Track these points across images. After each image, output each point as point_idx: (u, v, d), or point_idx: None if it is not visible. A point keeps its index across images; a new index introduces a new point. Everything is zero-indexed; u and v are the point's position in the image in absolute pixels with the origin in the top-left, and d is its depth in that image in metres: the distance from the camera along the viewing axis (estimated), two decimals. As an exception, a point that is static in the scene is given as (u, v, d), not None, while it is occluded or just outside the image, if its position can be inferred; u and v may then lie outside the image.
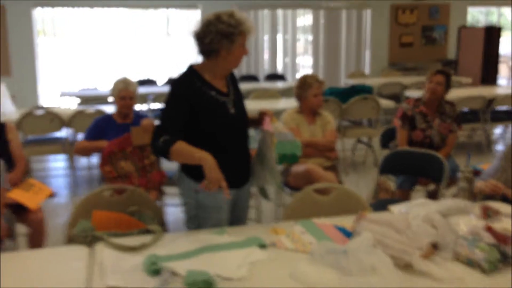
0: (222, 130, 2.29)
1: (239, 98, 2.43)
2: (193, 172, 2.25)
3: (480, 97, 6.38)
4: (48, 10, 8.75)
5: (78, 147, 3.73)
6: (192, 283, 1.69)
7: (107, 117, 3.80)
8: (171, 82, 2.34)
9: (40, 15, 8.77)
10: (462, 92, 6.61)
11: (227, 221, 2.36)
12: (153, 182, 3.42)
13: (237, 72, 2.36)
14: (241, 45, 2.26)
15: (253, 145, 2.53)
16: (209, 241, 2.06)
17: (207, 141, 2.25)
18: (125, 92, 3.66)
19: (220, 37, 2.19)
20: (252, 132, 2.46)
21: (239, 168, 2.41)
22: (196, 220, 2.32)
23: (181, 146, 2.14)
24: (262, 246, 2.03)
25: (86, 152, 3.78)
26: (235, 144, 2.37)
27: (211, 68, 2.30)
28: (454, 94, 4.70)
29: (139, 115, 3.79)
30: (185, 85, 2.26)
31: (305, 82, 3.79)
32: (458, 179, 2.45)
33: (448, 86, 3.99)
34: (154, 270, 1.78)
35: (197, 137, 2.24)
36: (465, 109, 6.60)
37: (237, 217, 2.47)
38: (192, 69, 2.32)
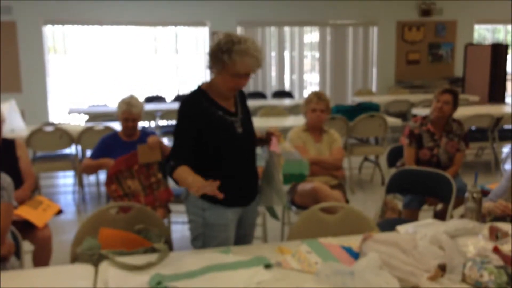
0: (229, 149, 2.31)
1: (247, 116, 2.45)
2: None
3: (488, 115, 6.35)
4: (58, 27, 8.87)
5: (83, 165, 3.73)
6: None
7: (113, 135, 3.80)
8: (180, 101, 2.36)
9: (51, 32, 8.88)
10: (469, 110, 6.59)
11: (233, 239, 2.36)
12: (160, 200, 3.43)
13: (245, 89, 2.37)
14: (233, 72, 2.22)
15: (260, 163, 2.54)
16: (214, 260, 2.05)
17: (214, 159, 2.29)
18: (128, 115, 3.65)
19: (217, 54, 2.22)
20: (259, 150, 2.47)
21: (246, 187, 2.42)
22: (202, 238, 2.33)
23: (180, 171, 2.20)
24: (268, 266, 2.02)
25: (92, 171, 3.79)
26: (242, 162, 2.38)
27: (217, 87, 2.32)
28: (461, 112, 4.69)
29: (146, 133, 3.80)
30: (193, 105, 2.29)
31: (307, 98, 3.83)
32: (466, 198, 2.42)
33: (455, 105, 3.98)
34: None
35: (204, 155, 2.27)
36: (473, 128, 6.57)
37: (243, 235, 2.47)
38: (200, 89, 2.35)
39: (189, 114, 2.28)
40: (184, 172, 2.19)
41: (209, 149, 2.28)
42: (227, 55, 2.19)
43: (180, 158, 2.23)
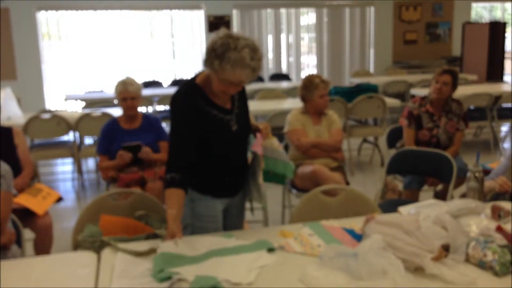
0: (222, 147, 2.26)
1: (243, 111, 2.35)
2: (189, 180, 2.20)
3: (486, 94, 6.34)
4: (52, 13, 8.76)
5: (100, 169, 3.69)
6: None
7: (112, 123, 3.74)
8: (173, 96, 2.21)
9: (45, 18, 8.78)
10: (468, 90, 6.57)
11: (221, 229, 2.33)
12: (160, 175, 3.45)
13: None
14: (222, 78, 2.06)
15: (249, 153, 2.49)
16: (217, 244, 2.05)
17: (206, 155, 2.23)
18: (125, 93, 3.61)
19: (210, 55, 2.06)
20: (251, 138, 2.40)
21: (234, 179, 2.37)
22: (191, 228, 2.28)
23: (169, 194, 2.09)
24: (271, 249, 2.01)
25: (110, 172, 3.62)
26: (234, 158, 2.33)
27: (211, 84, 2.17)
28: (460, 91, 4.67)
29: (149, 119, 3.75)
30: (187, 105, 2.16)
31: (311, 83, 3.76)
32: (467, 178, 2.42)
33: (454, 85, 3.95)
34: (162, 278, 1.76)
35: (197, 149, 2.20)
36: (471, 107, 6.56)
37: (230, 225, 2.43)
38: (194, 85, 2.20)
39: (183, 115, 2.15)
40: (170, 197, 2.08)
41: (202, 146, 2.21)
42: (218, 61, 2.01)
43: (177, 167, 2.12)
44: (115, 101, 6.21)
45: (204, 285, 1.68)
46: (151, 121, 3.74)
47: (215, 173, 2.27)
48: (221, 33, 2.06)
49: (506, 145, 7.00)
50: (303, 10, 9.98)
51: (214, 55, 2.02)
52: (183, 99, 2.17)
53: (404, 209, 2.33)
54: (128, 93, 3.60)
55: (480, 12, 12.20)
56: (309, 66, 10.45)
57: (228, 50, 2.00)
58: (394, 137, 4.29)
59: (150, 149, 3.52)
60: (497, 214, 2.16)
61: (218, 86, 2.12)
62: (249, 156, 2.37)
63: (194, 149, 2.18)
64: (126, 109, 3.65)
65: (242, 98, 2.35)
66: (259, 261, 1.90)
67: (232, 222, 2.45)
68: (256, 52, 2.05)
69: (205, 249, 1.99)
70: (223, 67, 2.02)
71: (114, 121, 3.75)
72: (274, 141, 2.41)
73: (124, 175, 3.47)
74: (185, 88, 2.21)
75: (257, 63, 2.06)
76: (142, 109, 6.98)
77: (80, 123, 5.24)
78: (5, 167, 2.24)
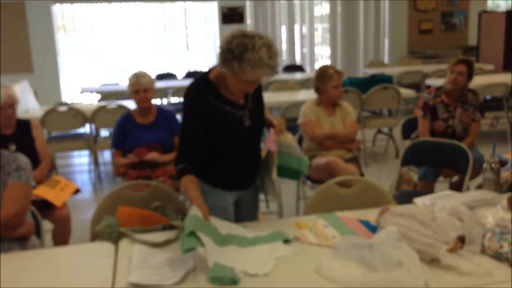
0: (235, 142, 2.25)
1: (257, 106, 2.32)
2: (200, 172, 2.24)
3: (503, 84, 6.25)
4: (67, 6, 8.83)
5: (116, 165, 3.68)
6: (216, 279, 1.69)
7: (126, 117, 3.72)
8: (186, 91, 2.22)
9: (60, 11, 8.85)
10: (484, 79, 6.49)
11: (233, 221, 2.31)
12: (170, 172, 3.46)
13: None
14: (242, 79, 2.05)
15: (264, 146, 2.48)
16: (236, 230, 2.07)
17: (219, 149, 2.24)
18: (137, 86, 3.59)
19: (227, 56, 2.03)
20: (265, 131, 2.40)
21: (246, 173, 2.37)
22: None
23: (184, 181, 2.14)
24: (287, 241, 2.03)
25: (121, 168, 3.64)
26: (247, 152, 2.33)
27: (226, 81, 2.15)
28: (475, 81, 4.62)
29: (163, 112, 3.73)
30: (200, 101, 2.16)
31: (324, 74, 3.75)
32: (483, 169, 2.40)
33: (470, 75, 3.90)
34: (187, 248, 1.76)
35: (208, 143, 2.21)
36: (488, 97, 6.48)
37: (244, 215, 2.42)
38: (208, 80, 2.18)
39: (195, 111, 2.16)
40: (188, 183, 2.13)
41: (215, 141, 2.21)
42: (237, 62, 1.99)
43: (186, 161, 2.16)
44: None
45: (221, 275, 1.70)
46: (165, 114, 3.72)
47: (226, 166, 2.28)
48: (235, 32, 2.03)
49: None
50: (316, 0, 9.92)
51: (231, 56, 1.99)
52: (196, 95, 2.17)
53: (419, 200, 2.32)
54: (140, 85, 3.59)
55: (497, 1, 12.01)
56: (323, 57, 10.40)
57: (246, 50, 1.98)
58: (409, 128, 4.26)
59: (158, 154, 3.53)
60: (513, 205, 2.15)
61: (236, 85, 2.10)
62: (263, 149, 2.37)
63: (203, 144, 2.19)
64: (139, 101, 3.64)
65: (257, 92, 2.32)
66: (275, 252, 1.92)
67: (245, 212, 2.45)
68: (272, 48, 2.04)
69: (226, 229, 2.02)
70: (243, 69, 2.00)
71: (128, 115, 3.73)
72: (289, 137, 2.39)
73: (132, 172, 3.49)
74: (197, 83, 2.20)
75: (274, 61, 2.06)
76: (156, 101, 7.04)
77: (96, 116, 5.28)
78: (24, 160, 2.28)
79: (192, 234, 1.81)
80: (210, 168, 2.28)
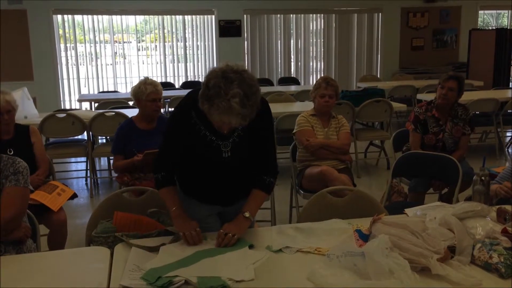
0: (210, 167, 2.23)
1: (247, 142, 2.20)
2: (178, 179, 2.30)
3: (492, 100, 6.36)
4: (68, 17, 8.90)
5: (114, 168, 3.70)
6: None
7: (128, 123, 3.72)
8: (177, 105, 2.22)
9: (61, 21, 8.90)
10: (474, 95, 6.59)
11: (214, 230, 2.21)
12: None
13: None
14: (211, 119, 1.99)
15: None
16: (200, 246, 2.06)
17: (194, 165, 2.25)
18: (155, 94, 3.59)
19: (203, 90, 1.95)
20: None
21: (222, 195, 2.32)
22: None
23: (165, 192, 2.24)
24: (251, 246, 2.05)
25: (124, 170, 3.62)
26: (222, 180, 2.27)
27: None
28: (466, 97, 4.69)
29: (164, 120, 3.73)
30: (182, 118, 2.15)
31: (316, 83, 3.84)
32: (473, 181, 2.45)
33: (460, 91, 3.97)
34: (163, 284, 1.73)
35: (185, 157, 2.22)
36: (477, 112, 6.57)
37: None
38: (196, 99, 1.99)
39: (177, 124, 2.18)
40: (167, 195, 2.23)
41: (191, 158, 2.22)
42: (207, 104, 1.91)
43: (164, 170, 2.23)
44: (131, 103, 6.28)
45: (212, 285, 1.70)
46: (165, 122, 3.73)
47: (200, 183, 2.28)
48: (222, 68, 1.94)
49: (511, 150, 7.02)
50: (312, 15, 10.04)
51: (205, 94, 1.91)
52: (181, 108, 2.18)
53: (410, 211, 2.36)
54: (157, 94, 3.60)
55: (487, 19, 12.20)
56: (317, 70, 10.49)
57: (217, 95, 1.87)
58: (400, 141, 4.32)
59: None
60: (502, 217, 2.19)
61: (211, 120, 2.02)
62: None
63: (181, 156, 2.23)
64: (154, 110, 3.62)
65: (254, 128, 2.15)
66: (250, 259, 1.93)
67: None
68: (250, 98, 1.90)
69: (191, 250, 2.02)
70: (210, 113, 1.93)
71: (130, 121, 3.74)
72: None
73: (139, 184, 3.43)
74: (188, 97, 2.17)
75: (250, 110, 1.92)
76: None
77: (94, 123, 5.28)
78: (23, 164, 2.30)
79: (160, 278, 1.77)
80: (185, 180, 2.32)
